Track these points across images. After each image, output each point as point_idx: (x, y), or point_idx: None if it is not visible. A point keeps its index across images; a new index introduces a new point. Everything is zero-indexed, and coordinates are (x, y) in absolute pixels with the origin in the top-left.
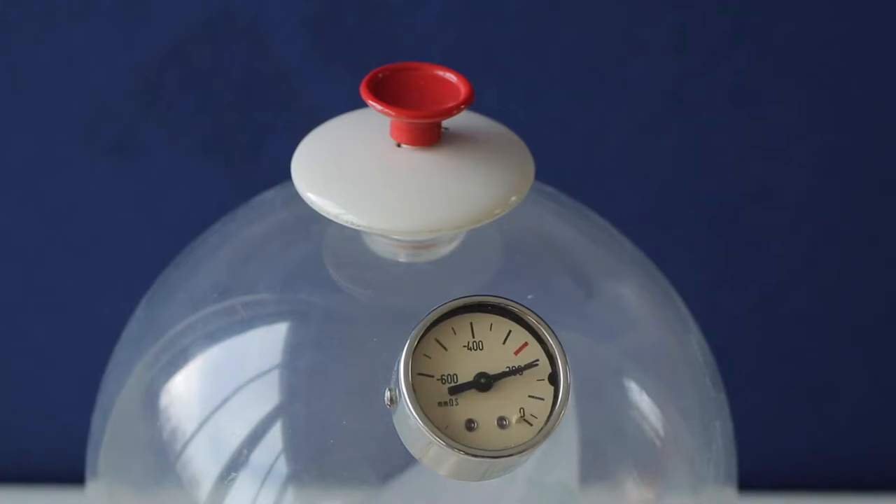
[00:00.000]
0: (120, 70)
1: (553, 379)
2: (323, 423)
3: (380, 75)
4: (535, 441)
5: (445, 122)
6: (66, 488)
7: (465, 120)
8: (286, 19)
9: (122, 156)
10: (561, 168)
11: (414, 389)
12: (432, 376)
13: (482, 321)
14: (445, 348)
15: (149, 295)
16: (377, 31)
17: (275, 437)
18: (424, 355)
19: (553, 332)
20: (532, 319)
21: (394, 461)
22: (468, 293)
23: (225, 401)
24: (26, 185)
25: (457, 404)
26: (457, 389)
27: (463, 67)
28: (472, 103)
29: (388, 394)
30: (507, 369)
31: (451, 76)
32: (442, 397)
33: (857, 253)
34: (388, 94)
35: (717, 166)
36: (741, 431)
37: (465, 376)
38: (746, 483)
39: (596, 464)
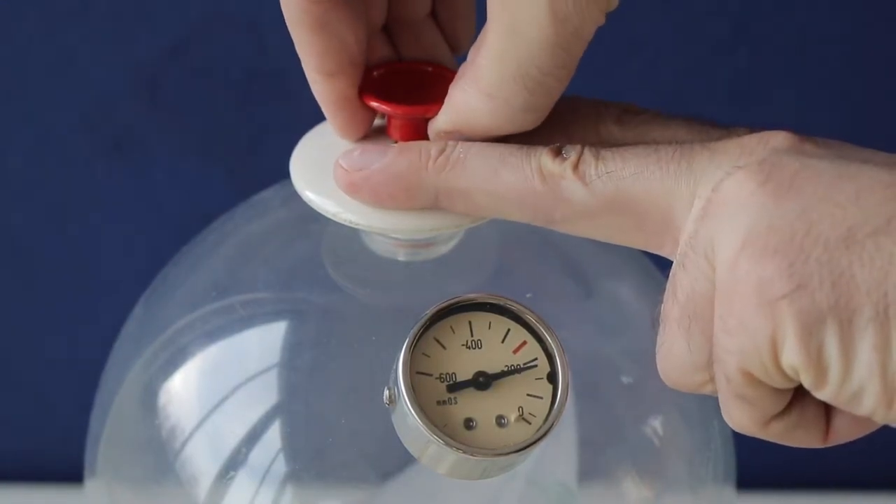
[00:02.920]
0: (119, 69)
1: (552, 378)
2: (322, 422)
3: (376, 73)
4: (534, 440)
5: None
6: (65, 487)
7: None
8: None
9: (122, 155)
10: None
11: (413, 388)
12: (431, 375)
13: (481, 320)
14: (444, 347)
15: (148, 293)
16: None
17: (274, 436)
18: (423, 354)
19: (552, 330)
20: (531, 318)
21: (393, 460)
22: (467, 291)
23: (224, 399)
24: (26, 184)
25: (455, 403)
26: (455, 388)
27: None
28: None
29: (386, 392)
30: (506, 368)
31: (448, 74)
32: (441, 396)
33: None
34: (385, 91)
35: None
36: None
37: (464, 375)
38: (745, 482)
39: (595, 462)
